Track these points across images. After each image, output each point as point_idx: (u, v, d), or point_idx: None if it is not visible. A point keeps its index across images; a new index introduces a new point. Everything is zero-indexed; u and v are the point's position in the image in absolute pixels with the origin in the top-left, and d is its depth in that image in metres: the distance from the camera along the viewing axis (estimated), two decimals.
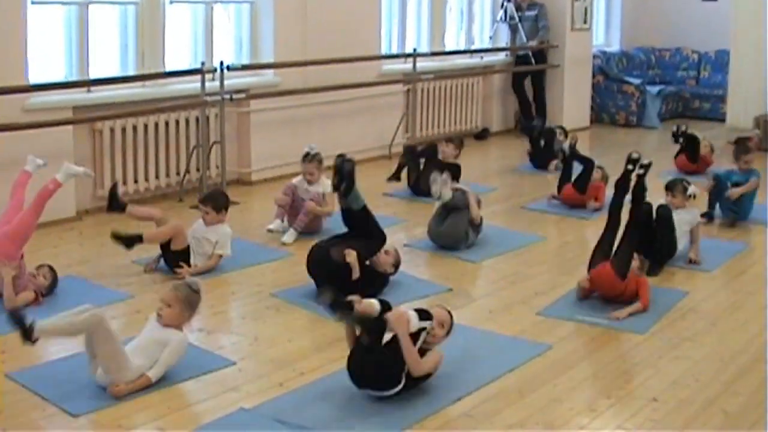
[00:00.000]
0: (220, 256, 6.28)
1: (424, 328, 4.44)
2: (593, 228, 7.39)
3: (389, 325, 4.34)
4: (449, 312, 4.65)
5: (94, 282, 6.02)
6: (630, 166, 6.22)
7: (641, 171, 6.21)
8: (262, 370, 4.73)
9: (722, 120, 12.69)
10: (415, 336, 4.38)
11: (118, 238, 6.13)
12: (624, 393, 4.54)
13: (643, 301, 5.62)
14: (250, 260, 6.51)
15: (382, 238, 6.01)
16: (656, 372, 4.79)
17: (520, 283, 6.25)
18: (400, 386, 4.34)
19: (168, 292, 4.69)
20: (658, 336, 5.30)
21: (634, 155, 6.23)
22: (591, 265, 5.85)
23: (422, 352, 4.44)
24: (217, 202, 6.40)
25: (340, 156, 5.86)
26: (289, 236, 7.01)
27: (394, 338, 4.33)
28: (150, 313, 4.81)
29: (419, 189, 8.58)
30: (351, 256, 5.72)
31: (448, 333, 4.59)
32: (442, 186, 6.96)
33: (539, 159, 10.00)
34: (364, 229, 5.96)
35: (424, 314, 4.47)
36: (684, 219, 6.68)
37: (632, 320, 5.48)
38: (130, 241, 6.13)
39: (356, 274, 5.69)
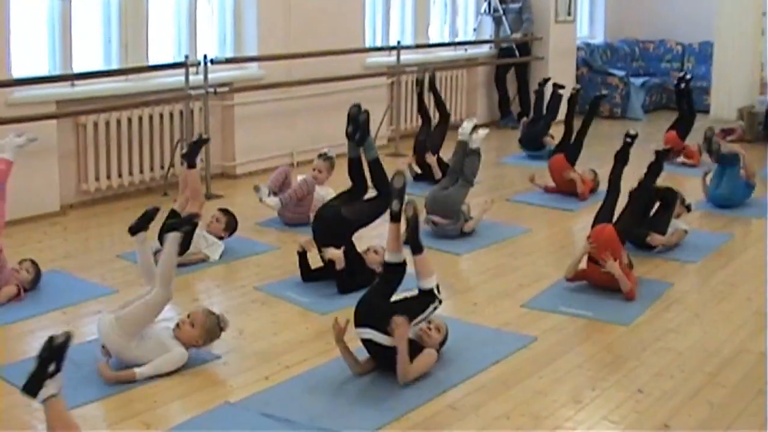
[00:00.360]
0: (208, 257, 6.33)
1: (436, 299, 4.66)
2: (578, 220, 7.42)
3: (392, 325, 4.38)
4: (446, 327, 4.77)
5: (78, 276, 5.99)
6: (628, 140, 6.46)
7: (660, 149, 6.52)
8: (247, 364, 4.73)
9: (706, 111, 12.72)
10: (427, 301, 4.63)
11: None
12: (609, 384, 4.55)
13: (632, 284, 5.68)
14: (235, 254, 6.49)
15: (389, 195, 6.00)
16: (641, 363, 4.81)
17: (504, 275, 6.26)
18: None
19: (199, 312, 4.72)
20: (642, 327, 5.32)
21: (632, 131, 6.49)
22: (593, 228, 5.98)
23: (419, 349, 4.52)
24: (230, 220, 6.63)
25: (356, 105, 5.87)
26: (272, 201, 7.13)
27: (406, 300, 4.59)
28: None
29: (424, 149, 8.65)
30: (334, 254, 5.71)
31: (442, 343, 4.71)
32: (480, 128, 7.15)
33: (532, 141, 10.02)
34: (374, 181, 5.92)
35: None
36: (672, 224, 6.79)
37: (617, 311, 5.51)
38: (195, 151, 6.47)
39: (340, 265, 5.68)
